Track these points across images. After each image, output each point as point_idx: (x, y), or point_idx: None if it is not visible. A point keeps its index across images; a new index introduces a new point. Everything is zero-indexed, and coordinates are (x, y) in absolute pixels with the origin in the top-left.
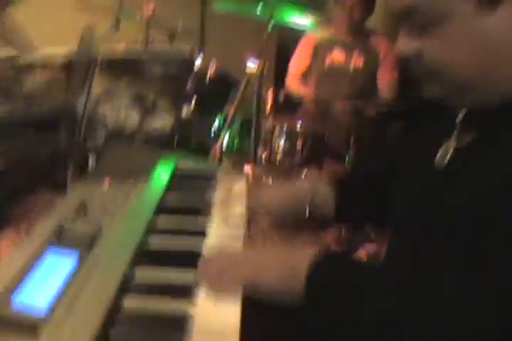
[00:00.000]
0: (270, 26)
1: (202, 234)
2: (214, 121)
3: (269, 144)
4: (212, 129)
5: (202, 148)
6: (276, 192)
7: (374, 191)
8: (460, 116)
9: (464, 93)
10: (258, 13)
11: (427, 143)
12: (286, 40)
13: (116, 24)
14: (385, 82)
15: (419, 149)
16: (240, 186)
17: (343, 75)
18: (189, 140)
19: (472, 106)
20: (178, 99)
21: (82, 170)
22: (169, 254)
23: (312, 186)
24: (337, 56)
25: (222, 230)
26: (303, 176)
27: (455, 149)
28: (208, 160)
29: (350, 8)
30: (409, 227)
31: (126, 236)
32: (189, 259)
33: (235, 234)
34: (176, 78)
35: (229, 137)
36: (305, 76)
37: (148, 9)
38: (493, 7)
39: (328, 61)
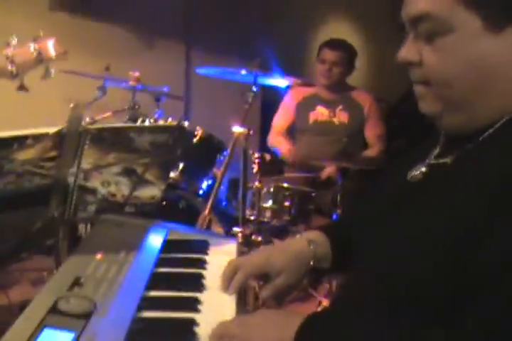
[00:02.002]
0: (253, 91)
1: (196, 309)
2: (201, 183)
3: (257, 204)
4: (200, 192)
5: (190, 210)
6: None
7: None
8: (442, 136)
9: (455, 109)
10: (241, 77)
11: (406, 163)
12: (270, 99)
13: (103, 90)
14: (374, 137)
15: (398, 170)
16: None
17: (328, 131)
18: (178, 205)
19: (460, 126)
20: (167, 168)
21: (72, 241)
22: (164, 330)
23: (311, 240)
24: (321, 112)
25: (214, 306)
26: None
27: (430, 165)
28: (197, 226)
29: (329, 69)
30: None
31: (121, 313)
32: (184, 332)
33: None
34: (165, 147)
35: (216, 199)
36: (287, 133)
37: (134, 76)
38: (499, 28)
39: (312, 117)
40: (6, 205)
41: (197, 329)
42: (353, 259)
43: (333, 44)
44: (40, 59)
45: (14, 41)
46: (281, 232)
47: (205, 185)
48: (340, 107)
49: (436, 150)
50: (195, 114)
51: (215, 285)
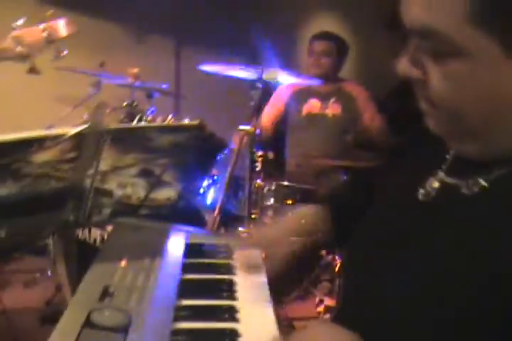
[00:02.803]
0: (258, 88)
1: (235, 318)
2: (202, 183)
3: (259, 203)
4: (201, 191)
5: (190, 210)
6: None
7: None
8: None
9: (466, 137)
10: (244, 74)
11: (411, 173)
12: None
13: (97, 87)
14: (376, 127)
15: (402, 178)
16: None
17: (321, 124)
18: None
19: (475, 154)
20: (185, 169)
21: (87, 245)
22: (203, 337)
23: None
24: (314, 105)
25: (252, 314)
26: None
27: (444, 184)
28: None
29: (318, 59)
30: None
31: (158, 325)
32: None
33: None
34: (184, 148)
35: (220, 198)
36: (274, 127)
37: (132, 72)
38: None
39: (305, 110)
40: (22, 209)
41: (240, 340)
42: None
43: (322, 35)
44: (51, 39)
45: (20, 22)
46: None
47: (205, 184)
48: (333, 99)
49: (445, 166)
50: (185, 111)
51: (248, 291)
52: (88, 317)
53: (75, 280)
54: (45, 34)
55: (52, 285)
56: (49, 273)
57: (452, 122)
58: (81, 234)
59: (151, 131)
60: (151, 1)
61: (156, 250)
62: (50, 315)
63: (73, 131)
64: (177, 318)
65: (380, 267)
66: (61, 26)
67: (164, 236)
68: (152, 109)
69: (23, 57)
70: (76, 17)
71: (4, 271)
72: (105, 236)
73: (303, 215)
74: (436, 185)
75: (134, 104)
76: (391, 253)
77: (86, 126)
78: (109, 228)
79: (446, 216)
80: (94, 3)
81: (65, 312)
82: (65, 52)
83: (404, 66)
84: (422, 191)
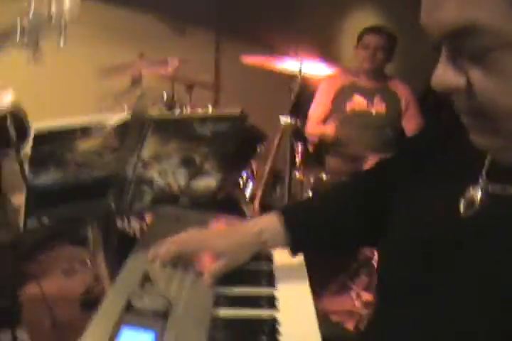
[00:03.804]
0: (298, 80)
1: (274, 306)
2: (241, 174)
3: (299, 196)
4: (241, 183)
5: (230, 201)
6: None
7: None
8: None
9: (508, 146)
10: (284, 66)
11: (445, 183)
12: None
13: (137, 79)
14: (414, 130)
15: (433, 188)
16: None
17: (365, 121)
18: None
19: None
20: (226, 159)
21: (126, 236)
22: (246, 328)
23: (262, 229)
24: (358, 102)
25: (291, 303)
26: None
27: (489, 196)
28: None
29: (373, 54)
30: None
31: (198, 311)
32: (268, 331)
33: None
34: (226, 137)
35: (259, 190)
36: (324, 122)
37: (172, 64)
38: None
39: (349, 107)
40: (65, 197)
41: (280, 328)
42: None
43: (378, 29)
44: None
45: None
46: None
47: (244, 175)
48: (378, 97)
49: (483, 175)
50: (224, 103)
51: (287, 281)
52: (128, 301)
53: (114, 270)
54: None
55: (91, 274)
56: (88, 262)
57: (503, 128)
58: (120, 224)
59: (193, 120)
60: None
61: None
62: (89, 303)
63: (117, 119)
64: (217, 305)
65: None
66: None
67: (204, 226)
68: (192, 101)
69: None
70: (116, 9)
71: (45, 259)
72: (144, 227)
73: (262, 229)
74: (479, 194)
75: (174, 96)
76: (442, 272)
77: (129, 115)
78: (148, 219)
79: (500, 226)
80: None
81: (106, 297)
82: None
83: (442, 78)
84: (463, 202)
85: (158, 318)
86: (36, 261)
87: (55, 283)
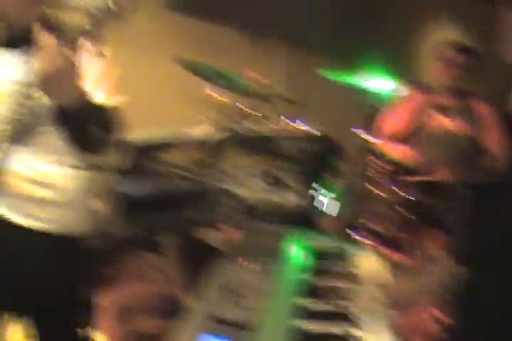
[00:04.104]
0: (376, 96)
1: (350, 321)
2: (320, 189)
3: (370, 209)
4: (319, 197)
5: (309, 215)
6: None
7: None
8: None
9: None
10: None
11: None
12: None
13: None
14: (496, 145)
15: None
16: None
17: (445, 140)
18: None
19: None
20: (310, 176)
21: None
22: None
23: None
24: (437, 120)
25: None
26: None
27: None
28: (325, 233)
29: (456, 70)
30: None
31: (279, 323)
32: None
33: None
34: (312, 156)
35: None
36: (400, 140)
37: (251, 76)
38: None
39: (428, 126)
40: (151, 205)
41: None
42: None
43: (464, 47)
44: None
45: None
46: (391, 240)
47: (322, 189)
48: (458, 116)
49: None
50: (298, 115)
51: (367, 300)
52: (210, 311)
53: (189, 278)
54: None
55: (165, 281)
56: (162, 269)
57: None
58: (199, 234)
59: (278, 137)
60: (274, 6)
61: (277, 252)
62: (164, 310)
63: (203, 133)
64: (297, 318)
65: None
66: None
67: (285, 239)
68: (269, 112)
69: None
70: (194, 22)
71: (121, 265)
72: (222, 238)
73: None
74: None
75: (252, 108)
76: None
77: (215, 129)
78: (226, 230)
79: None
80: (209, 7)
81: (190, 307)
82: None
83: None
84: None
85: (239, 328)
86: (113, 267)
87: (130, 289)
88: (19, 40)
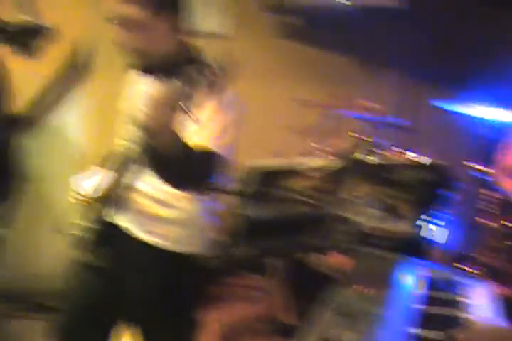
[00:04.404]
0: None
1: None
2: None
3: (487, 244)
4: (428, 226)
5: (420, 245)
6: None
7: None
8: None
9: None
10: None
11: None
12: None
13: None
14: None
15: None
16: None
17: None
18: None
19: None
20: (423, 205)
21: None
22: None
23: None
24: None
25: None
26: None
27: None
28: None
29: None
30: None
31: None
32: None
33: None
34: (422, 185)
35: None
36: None
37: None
38: None
39: None
40: (271, 229)
41: None
42: None
43: None
44: None
45: None
46: (500, 273)
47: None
48: None
49: None
50: (407, 143)
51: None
52: (327, 336)
53: (290, 301)
54: None
55: (268, 303)
56: (268, 291)
57: None
58: (308, 258)
59: (394, 166)
60: (385, 35)
61: (390, 279)
62: (265, 330)
63: (322, 163)
64: None
65: None
66: None
67: (397, 267)
68: (380, 140)
69: None
70: (309, 49)
71: (227, 285)
72: (330, 263)
73: None
74: None
75: (366, 136)
76: None
77: (335, 158)
78: (337, 255)
79: None
80: (322, 36)
81: (302, 329)
82: None
83: None
84: None
85: None
86: (222, 286)
87: (236, 309)
88: (155, 68)
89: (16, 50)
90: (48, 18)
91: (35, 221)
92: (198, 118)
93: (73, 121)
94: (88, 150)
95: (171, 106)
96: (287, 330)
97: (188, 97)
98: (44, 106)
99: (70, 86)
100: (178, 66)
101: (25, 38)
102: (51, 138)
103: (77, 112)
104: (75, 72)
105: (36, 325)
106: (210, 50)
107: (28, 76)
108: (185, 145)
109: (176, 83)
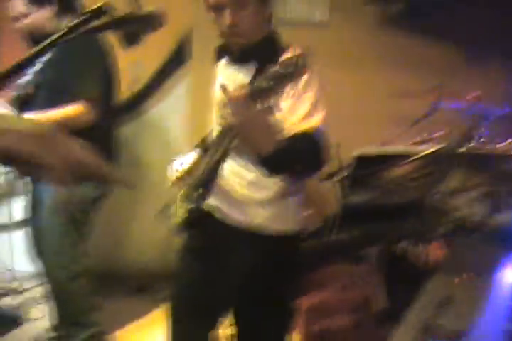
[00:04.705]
0: None
1: None
2: None
3: None
4: None
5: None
6: None
7: None
8: None
9: None
10: None
11: None
12: None
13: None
14: None
15: None
16: None
17: None
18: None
19: None
20: None
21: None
22: None
23: None
24: None
25: None
26: None
27: None
28: None
29: None
30: None
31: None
32: None
33: None
34: None
35: None
36: None
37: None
38: None
39: None
40: (369, 215)
41: None
42: None
43: None
44: None
45: None
46: None
47: None
48: None
49: None
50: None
51: None
52: (426, 322)
53: (382, 289)
54: None
55: (365, 291)
56: (360, 278)
57: None
58: (405, 246)
59: (501, 156)
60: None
61: (490, 270)
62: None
63: (428, 151)
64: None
65: None
66: None
67: (498, 259)
68: (485, 132)
69: None
70: (408, 37)
71: (323, 273)
72: (436, 254)
73: None
74: None
75: (475, 127)
76: None
77: (441, 147)
78: (437, 246)
79: None
80: (426, 23)
81: (405, 317)
82: None
83: None
84: None
85: (455, 336)
86: (317, 270)
87: (333, 295)
88: (249, 56)
89: (123, 39)
90: (150, 6)
91: (135, 205)
92: (281, 108)
93: (172, 108)
94: (185, 136)
95: (262, 98)
96: (379, 319)
97: (275, 88)
98: (146, 93)
99: (171, 73)
100: (266, 55)
101: (134, 26)
102: (150, 125)
103: (176, 99)
104: (177, 59)
105: (137, 305)
106: (302, 39)
107: (129, 64)
108: (288, 138)
109: (268, 71)
